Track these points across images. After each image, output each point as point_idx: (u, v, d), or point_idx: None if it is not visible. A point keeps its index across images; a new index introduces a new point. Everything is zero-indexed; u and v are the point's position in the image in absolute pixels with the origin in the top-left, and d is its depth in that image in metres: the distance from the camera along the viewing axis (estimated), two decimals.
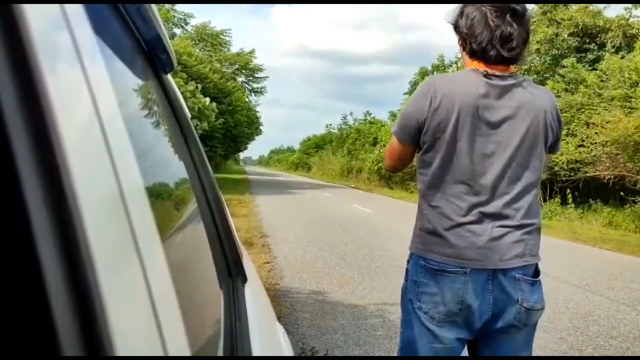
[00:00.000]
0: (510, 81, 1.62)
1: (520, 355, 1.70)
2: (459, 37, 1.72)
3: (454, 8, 1.72)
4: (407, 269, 1.75)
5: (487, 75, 1.60)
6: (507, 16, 1.59)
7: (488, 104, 1.59)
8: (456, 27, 1.71)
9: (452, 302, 1.60)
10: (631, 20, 16.42)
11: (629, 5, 16.37)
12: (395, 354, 3.57)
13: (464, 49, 1.70)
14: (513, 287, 1.60)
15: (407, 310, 1.72)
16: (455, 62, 26.78)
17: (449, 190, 1.62)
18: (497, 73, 1.61)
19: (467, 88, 1.60)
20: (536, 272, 1.67)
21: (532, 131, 1.62)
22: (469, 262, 1.58)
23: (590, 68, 15.92)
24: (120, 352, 0.29)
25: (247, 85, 37.26)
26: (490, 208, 1.60)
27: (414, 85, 31.32)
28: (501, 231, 1.60)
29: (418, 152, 1.72)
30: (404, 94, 32.25)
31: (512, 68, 1.66)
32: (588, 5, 17.62)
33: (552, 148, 1.73)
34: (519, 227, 1.62)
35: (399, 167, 1.88)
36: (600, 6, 17.60)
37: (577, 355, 3.76)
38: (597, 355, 3.79)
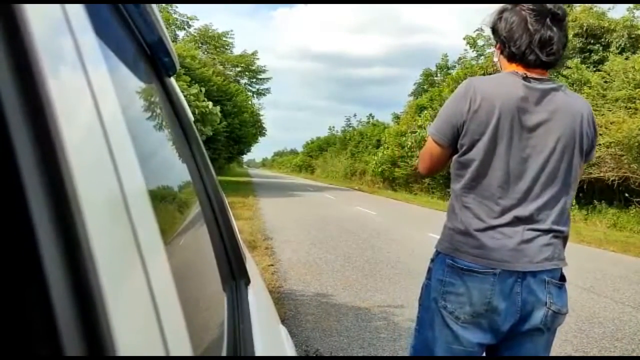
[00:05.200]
0: (549, 85, 1.61)
1: (531, 356, 1.69)
2: (496, 40, 1.71)
3: (492, 12, 1.71)
4: (429, 268, 1.73)
5: (526, 79, 1.60)
6: (547, 20, 1.58)
7: (527, 107, 1.58)
8: (494, 31, 1.70)
9: (479, 303, 1.59)
10: (635, 21, 16.39)
11: (631, 6, 16.34)
12: (399, 356, 3.57)
13: (501, 52, 1.70)
14: (542, 290, 1.60)
15: (429, 309, 1.70)
16: (458, 63, 26.76)
17: (484, 193, 1.61)
18: (535, 76, 1.61)
19: (507, 91, 1.59)
20: (562, 277, 1.67)
21: (567, 136, 1.61)
22: (498, 264, 1.58)
23: (594, 69, 15.88)
24: (121, 352, 0.29)
25: (250, 87, 37.31)
26: (522, 211, 1.59)
27: (419, 86, 31.32)
28: (532, 234, 1.60)
29: (454, 153, 1.70)
30: (409, 95, 32.27)
31: (548, 73, 1.65)
32: (592, 6, 17.60)
33: (586, 156, 1.71)
34: (548, 231, 1.62)
35: (435, 170, 1.83)
36: (605, 7, 17.58)
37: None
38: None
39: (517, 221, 1.60)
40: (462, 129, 1.62)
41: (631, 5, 16.53)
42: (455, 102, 1.64)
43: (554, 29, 1.59)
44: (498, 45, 1.71)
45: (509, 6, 1.66)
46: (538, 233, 1.60)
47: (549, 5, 1.61)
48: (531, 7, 1.61)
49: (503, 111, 1.57)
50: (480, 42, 24.73)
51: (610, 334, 4.24)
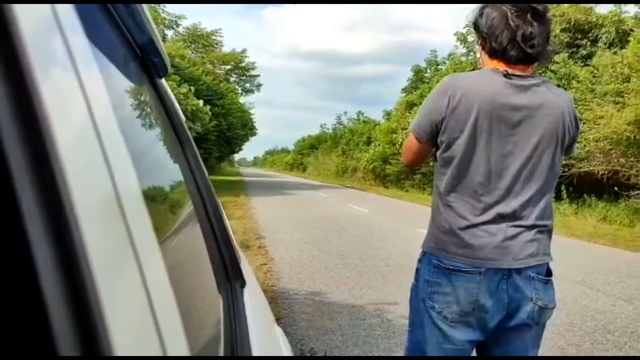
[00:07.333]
0: (531, 81, 1.61)
1: (528, 356, 1.70)
2: (478, 37, 1.71)
3: (473, 8, 1.71)
4: (417, 269, 1.73)
5: (507, 75, 1.59)
6: (528, 16, 1.58)
7: (508, 103, 1.58)
8: (476, 27, 1.70)
9: (466, 302, 1.59)
10: (623, 16, 16.50)
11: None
12: (394, 354, 3.58)
13: (483, 49, 1.70)
14: (528, 286, 1.61)
15: (418, 310, 1.70)
16: (448, 59, 26.86)
17: (466, 190, 1.61)
18: (517, 73, 1.61)
19: (487, 87, 1.59)
20: (548, 272, 1.68)
21: (550, 132, 1.61)
22: (483, 262, 1.58)
23: (582, 64, 15.97)
24: (117, 352, 0.29)
25: (238, 86, 37.18)
26: (505, 208, 1.60)
27: (412, 82, 31.42)
28: (515, 231, 1.60)
29: (437, 150, 1.71)
30: (402, 90, 32.34)
31: (531, 68, 1.65)
32: None
33: (567, 150, 1.72)
34: (532, 227, 1.62)
35: (416, 162, 1.89)
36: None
37: (576, 353, 3.77)
38: (597, 351, 3.80)
39: (500, 218, 1.60)
40: (441, 126, 1.62)
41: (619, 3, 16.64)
42: (435, 98, 1.64)
43: (535, 24, 1.58)
44: (480, 42, 1.71)
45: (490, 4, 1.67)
46: (522, 229, 1.61)
47: None
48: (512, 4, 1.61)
49: (482, 108, 1.57)
50: (470, 39, 24.83)
51: (603, 326, 4.27)
